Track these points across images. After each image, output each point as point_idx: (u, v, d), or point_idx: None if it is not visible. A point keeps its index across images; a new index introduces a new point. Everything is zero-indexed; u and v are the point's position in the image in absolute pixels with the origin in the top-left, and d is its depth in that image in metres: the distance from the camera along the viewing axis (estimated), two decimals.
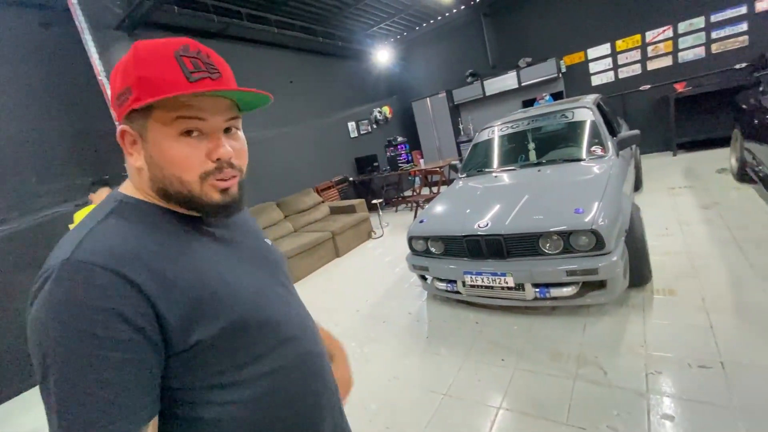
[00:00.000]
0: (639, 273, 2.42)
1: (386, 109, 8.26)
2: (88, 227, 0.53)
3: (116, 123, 0.59)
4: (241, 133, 0.64)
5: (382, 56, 7.55)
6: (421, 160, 7.05)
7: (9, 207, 3.21)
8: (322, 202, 5.90)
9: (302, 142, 6.24)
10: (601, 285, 2.19)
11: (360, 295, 3.56)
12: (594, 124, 3.15)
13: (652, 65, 6.06)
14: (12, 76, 3.26)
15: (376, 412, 2.02)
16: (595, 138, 3.07)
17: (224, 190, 0.60)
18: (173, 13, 4.15)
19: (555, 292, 2.25)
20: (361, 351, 2.62)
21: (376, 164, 7.11)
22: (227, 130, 0.61)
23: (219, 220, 0.66)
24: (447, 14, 7.13)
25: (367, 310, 3.23)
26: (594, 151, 2.98)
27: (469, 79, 7.58)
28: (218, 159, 0.58)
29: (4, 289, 3.05)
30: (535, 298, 2.32)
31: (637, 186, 4.39)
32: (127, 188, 0.61)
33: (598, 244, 2.10)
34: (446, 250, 2.64)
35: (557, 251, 2.22)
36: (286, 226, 5.14)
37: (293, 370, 0.65)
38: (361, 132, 7.66)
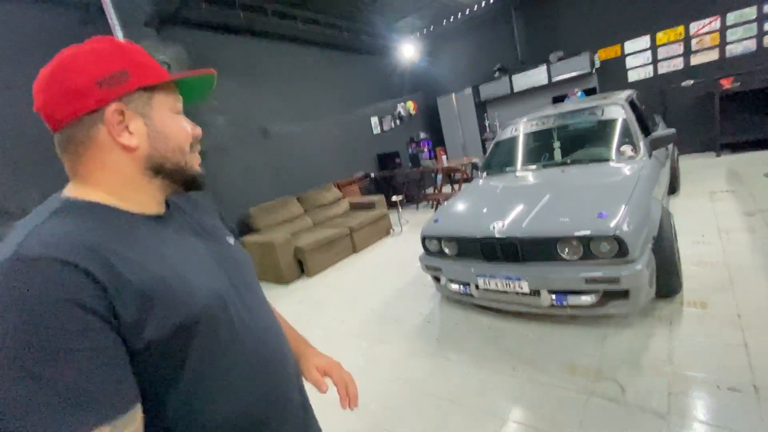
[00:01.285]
0: (667, 283, 2.26)
1: (410, 105, 8.16)
2: (29, 227, 0.51)
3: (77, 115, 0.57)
4: None
5: (407, 51, 7.44)
6: (444, 157, 6.92)
7: (44, 197, 3.38)
8: (343, 197, 5.91)
9: (325, 138, 6.27)
10: (623, 294, 2.06)
11: (374, 293, 3.53)
12: (625, 123, 2.96)
13: (695, 59, 5.66)
14: None
15: (377, 413, 1.98)
16: (626, 137, 2.88)
17: (200, 163, 0.70)
18: (200, 10, 4.23)
19: (573, 300, 2.13)
20: (371, 350, 2.60)
21: (398, 161, 7.05)
22: None
23: (169, 217, 0.68)
24: (475, 7, 6.92)
25: (380, 308, 3.20)
26: (624, 151, 2.80)
27: (497, 75, 7.35)
28: (196, 135, 0.69)
29: None
30: (552, 306, 2.21)
31: (673, 189, 4.12)
32: (72, 191, 0.59)
33: (621, 251, 1.97)
34: (460, 251, 2.56)
35: (576, 257, 2.10)
36: (306, 220, 5.19)
37: (253, 371, 0.64)
38: (384, 128, 7.61)
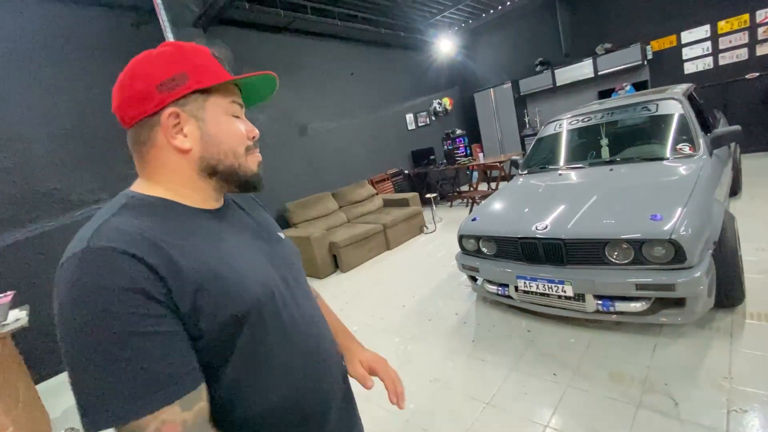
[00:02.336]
0: (728, 292, 2.09)
1: (446, 101, 8.04)
2: (102, 219, 0.55)
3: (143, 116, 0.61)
4: None
5: (445, 46, 7.32)
6: (481, 154, 6.77)
7: (101, 188, 3.64)
8: (376, 194, 5.93)
9: (360, 134, 6.30)
10: (678, 303, 1.92)
11: (407, 290, 3.52)
12: (682, 118, 2.76)
13: (762, 50, 5.18)
14: (106, 72, 3.66)
15: (414, 413, 1.98)
16: (683, 134, 2.68)
17: (259, 164, 0.70)
18: (244, 10, 4.36)
19: (621, 306, 2.02)
20: (405, 348, 2.59)
21: (432, 157, 6.97)
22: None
23: (225, 212, 0.69)
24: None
25: (414, 306, 3.18)
26: (681, 149, 2.61)
27: (539, 68, 7.08)
28: (254, 137, 0.69)
29: None
30: (597, 311, 2.11)
31: (734, 190, 3.80)
32: (138, 187, 0.63)
33: (677, 256, 1.84)
34: (499, 251, 2.49)
35: (626, 261, 1.99)
36: (340, 216, 5.25)
37: (299, 366, 0.66)
38: (419, 124, 7.54)
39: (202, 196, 0.65)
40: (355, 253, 4.54)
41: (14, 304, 2.23)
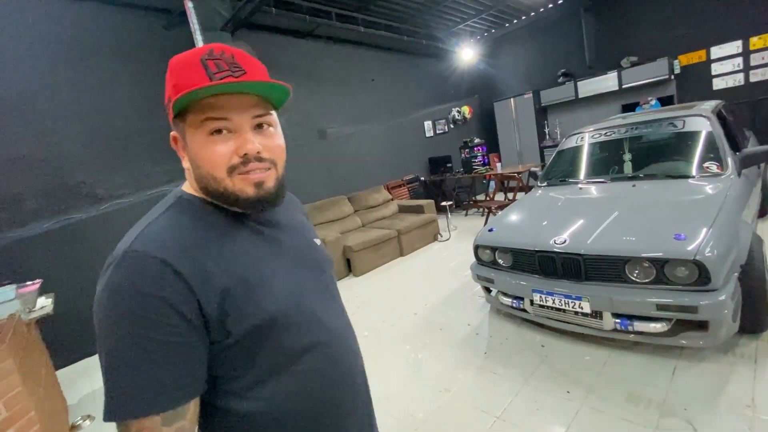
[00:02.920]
0: (754, 317, 2.02)
1: (465, 109, 8.02)
2: (148, 221, 0.59)
3: None
4: (273, 129, 0.64)
5: (466, 55, 7.32)
6: (498, 164, 6.72)
7: (127, 184, 3.75)
8: (392, 199, 5.94)
9: (378, 140, 6.34)
10: (701, 326, 1.87)
11: (419, 297, 3.51)
12: (710, 136, 2.69)
13: None
14: (135, 73, 3.79)
15: (423, 422, 1.96)
16: (711, 152, 2.62)
17: (258, 184, 0.60)
18: (270, 15, 4.46)
19: (640, 326, 1.97)
20: (415, 356, 2.58)
21: (449, 165, 6.95)
22: (260, 127, 0.61)
23: (262, 215, 0.68)
24: (541, 9, 6.66)
25: (426, 314, 3.17)
26: (708, 167, 2.55)
27: (561, 80, 7.03)
28: (245, 154, 0.58)
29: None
30: (615, 330, 2.06)
31: (763, 212, 3.67)
32: (186, 186, 0.66)
33: (701, 277, 1.79)
34: (515, 263, 2.47)
35: (647, 280, 1.94)
36: (355, 220, 5.28)
37: (322, 376, 0.65)
38: (438, 131, 7.55)
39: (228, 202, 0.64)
40: (368, 257, 4.56)
41: (41, 292, 2.32)
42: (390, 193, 6.12)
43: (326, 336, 0.67)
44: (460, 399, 2.09)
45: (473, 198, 6.97)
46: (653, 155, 2.96)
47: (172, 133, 0.63)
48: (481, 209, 6.42)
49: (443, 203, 5.65)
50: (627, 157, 3.05)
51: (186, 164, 0.63)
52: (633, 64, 6.11)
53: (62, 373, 3.07)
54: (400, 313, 3.28)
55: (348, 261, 4.56)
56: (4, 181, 3.13)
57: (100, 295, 0.53)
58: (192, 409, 0.54)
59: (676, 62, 5.88)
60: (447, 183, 7.15)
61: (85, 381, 3.01)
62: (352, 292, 4.04)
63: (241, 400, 0.59)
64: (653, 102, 5.74)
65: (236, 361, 0.58)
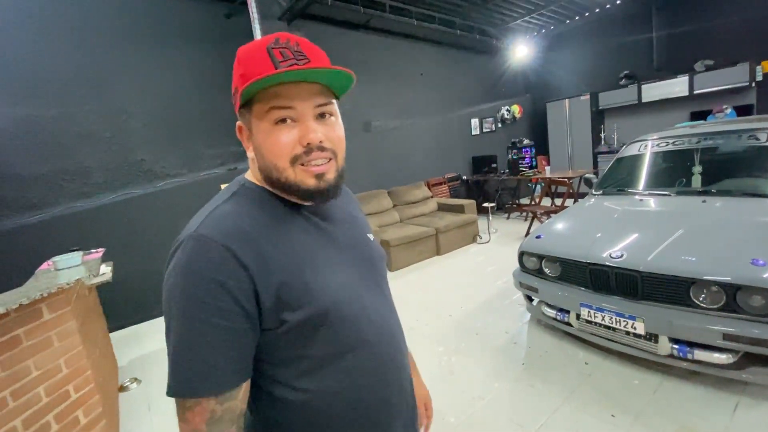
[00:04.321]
0: None
1: (515, 108, 7.73)
2: (214, 206, 0.60)
3: None
4: (335, 119, 0.63)
5: (521, 52, 7.03)
6: (547, 168, 6.44)
7: (182, 164, 3.95)
8: (432, 197, 5.86)
9: (422, 135, 6.27)
10: None
11: (455, 300, 3.44)
12: None
13: None
14: (196, 59, 3.96)
15: (454, 427, 1.92)
16: None
17: (319, 176, 0.60)
18: (326, 5, 4.49)
19: (701, 355, 1.81)
20: (448, 359, 2.53)
21: (494, 165, 6.75)
22: (322, 116, 0.61)
23: (318, 207, 0.67)
24: (607, 6, 6.24)
25: (461, 317, 3.10)
26: None
27: (623, 82, 6.57)
28: (308, 144, 0.58)
29: (170, 229, 3.78)
30: (671, 356, 1.90)
31: None
32: (250, 174, 0.67)
33: None
34: (563, 274, 2.34)
35: (714, 306, 1.77)
36: (394, 215, 5.26)
37: (369, 373, 0.64)
38: (484, 130, 7.34)
39: (287, 193, 0.63)
40: (405, 254, 4.53)
41: (102, 260, 2.49)
42: (430, 190, 6.04)
43: (375, 333, 0.66)
44: (494, 409, 2.02)
45: (517, 201, 6.74)
46: (728, 170, 2.69)
47: (238, 123, 0.63)
48: (524, 213, 6.18)
49: (485, 204, 5.50)
50: (697, 169, 2.79)
51: (250, 154, 0.63)
52: (708, 69, 5.60)
53: (114, 336, 3.32)
54: (435, 313, 3.23)
55: None
56: (75, 155, 3.39)
57: (167, 277, 0.55)
58: (244, 389, 0.56)
59: (758, 68, 5.31)
60: (490, 183, 6.95)
61: (134, 345, 3.23)
62: None
63: (290, 389, 0.59)
64: (729, 111, 5.23)
65: (286, 351, 0.59)
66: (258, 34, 3.88)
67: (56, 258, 2.09)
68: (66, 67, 3.31)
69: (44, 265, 2.25)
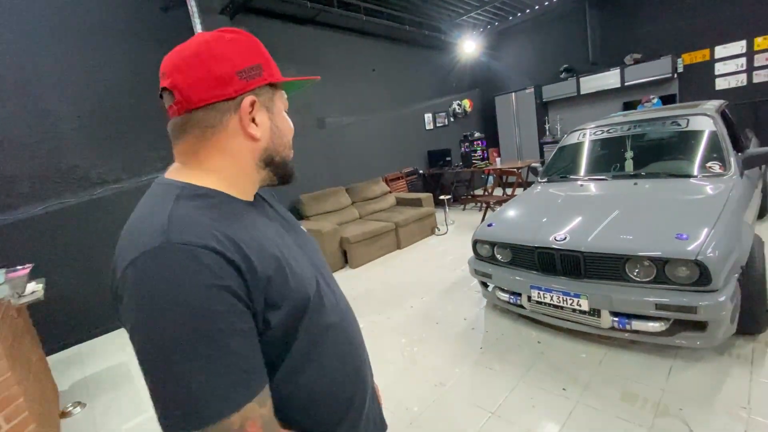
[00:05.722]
0: (753, 319, 2.01)
1: (466, 102, 7.95)
2: (165, 212, 0.52)
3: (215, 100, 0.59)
4: None
5: (469, 47, 7.23)
6: (498, 159, 6.70)
7: (121, 169, 3.68)
8: (390, 192, 5.90)
9: (377, 131, 6.28)
10: (698, 326, 1.86)
11: (416, 291, 3.50)
12: (714, 136, 2.67)
13: None
14: (132, 55, 3.69)
15: (418, 416, 1.95)
16: (714, 152, 2.60)
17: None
18: (271, 0, 4.36)
19: (638, 325, 1.96)
20: (411, 349, 2.57)
21: (448, 159, 6.91)
22: None
23: (265, 204, 0.72)
24: (546, 3, 6.57)
25: (422, 307, 3.15)
26: (711, 167, 2.53)
27: (563, 75, 6.97)
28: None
29: (112, 240, 3.52)
30: (612, 328, 2.05)
31: (762, 213, 3.68)
32: (183, 176, 0.60)
33: (702, 278, 1.77)
34: (514, 259, 2.45)
35: (647, 279, 1.93)
36: (353, 212, 5.24)
37: (348, 354, 0.68)
38: (438, 124, 7.48)
39: (249, 186, 0.65)
40: (365, 250, 4.53)
41: (31, 277, 2.27)
42: (388, 185, 6.08)
43: (340, 313, 0.69)
44: (455, 393, 2.09)
45: (471, 192, 6.95)
46: (656, 154, 2.94)
47: (252, 98, 0.60)
48: (479, 204, 6.40)
49: (441, 197, 5.63)
50: (629, 154, 3.03)
51: (257, 132, 0.62)
52: (636, 62, 6.07)
53: (53, 359, 3.04)
54: (396, 305, 3.27)
55: (344, 253, 4.53)
56: None
57: (146, 301, 0.46)
58: (268, 384, 0.54)
59: (679, 61, 5.84)
60: (445, 177, 7.11)
61: (76, 367, 2.98)
62: (348, 284, 4.01)
63: (285, 385, 0.58)
64: (655, 100, 5.71)
65: (274, 352, 0.56)
66: (198, 28, 3.69)
67: None
68: None
69: None
